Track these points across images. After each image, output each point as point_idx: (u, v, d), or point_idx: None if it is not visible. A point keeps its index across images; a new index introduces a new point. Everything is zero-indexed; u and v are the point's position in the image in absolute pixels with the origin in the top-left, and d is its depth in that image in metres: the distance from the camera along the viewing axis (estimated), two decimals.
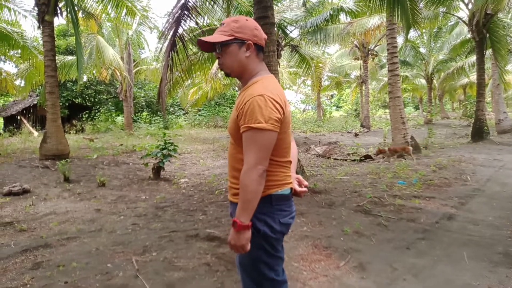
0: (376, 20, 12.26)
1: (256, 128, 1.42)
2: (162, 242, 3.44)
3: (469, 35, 14.10)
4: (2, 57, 18.25)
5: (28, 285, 2.58)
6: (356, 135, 15.54)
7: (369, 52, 18.95)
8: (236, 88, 24.24)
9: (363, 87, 20.88)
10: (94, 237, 3.71)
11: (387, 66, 10.34)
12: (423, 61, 20.79)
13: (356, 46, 19.19)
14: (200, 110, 24.52)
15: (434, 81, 24.30)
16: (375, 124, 21.64)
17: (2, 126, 20.14)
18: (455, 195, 5.03)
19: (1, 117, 20.85)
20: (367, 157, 9.10)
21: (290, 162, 1.63)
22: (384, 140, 12.25)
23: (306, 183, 1.72)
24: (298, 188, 1.66)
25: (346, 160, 9.15)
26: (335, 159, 9.39)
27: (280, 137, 1.50)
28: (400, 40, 14.67)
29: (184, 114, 25.14)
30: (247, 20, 1.57)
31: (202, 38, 1.55)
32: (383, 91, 26.47)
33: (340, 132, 17.32)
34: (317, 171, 7.57)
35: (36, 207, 5.20)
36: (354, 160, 8.87)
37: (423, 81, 24.70)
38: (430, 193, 5.14)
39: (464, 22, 12.88)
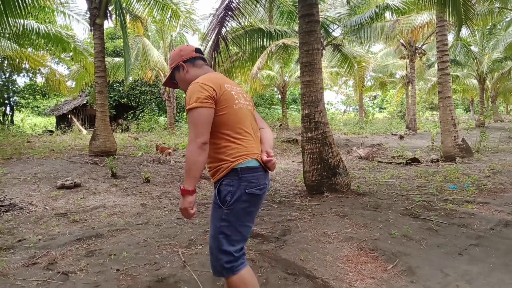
0: (424, 17, 11.70)
1: (190, 108, 1.70)
2: (206, 236, 3.50)
3: None
4: (56, 60, 19.56)
5: (84, 271, 2.73)
6: (401, 137, 14.90)
7: (416, 50, 18.14)
8: (275, 89, 24.22)
9: (409, 88, 20.01)
10: (142, 229, 3.86)
11: (436, 64, 9.85)
12: (475, 60, 19.55)
13: (402, 45, 18.44)
14: None
15: (487, 81, 22.75)
16: (422, 127, 20.67)
17: (55, 124, 21.56)
18: (511, 202, 4.68)
19: (54, 116, 22.34)
20: (414, 160, 8.71)
21: (251, 136, 1.83)
22: (432, 143, 11.67)
23: (272, 154, 1.86)
24: (264, 158, 1.83)
25: (391, 163, 8.82)
26: (378, 161, 9.08)
27: (225, 113, 1.75)
28: (449, 38, 13.92)
29: None
30: (174, 50, 2.01)
31: (164, 83, 2.14)
32: (432, 91, 25.18)
33: (384, 135, 16.73)
34: (360, 173, 7.37)
35: (87, 200, 5.51)
36: (399, 163, 8.53)
37: (475, 82, 23.21)
38: (484, 199, 4.81)
39: None
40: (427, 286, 2.49)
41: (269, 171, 1.87)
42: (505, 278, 2.61)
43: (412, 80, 18.94)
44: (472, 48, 19.70)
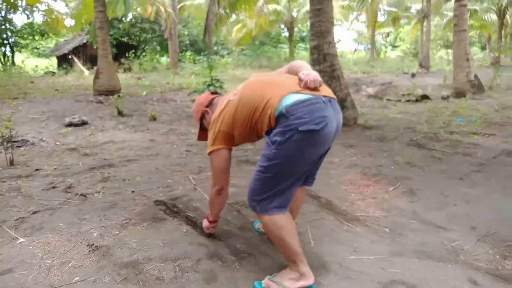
0: None
1: (208, 152, 1.82)
2: None
3: None
4: None
5: (101, 192, 2.90)
6: (413, 75, 14.52)
7: None
8: (282, 26, 23.23)
9: (425, 23, 19.02)
10: (153, 160, 4.00)
11: None
12: None
13: None
14: (243, 50, 24.08)
15: (507, 16, 21.46)
16: (436, 65, 20.02)
17: (56, 65, 21.27)
18: None
19: (55, 57, 21.96)
20: (424, 97, 8.60)
21: (273, 83, 1.65)
22: (445, 81, 11.42)
23: (303, 75, 1.60)
24: (301, 84, 1.60)
25: (400, 100, 8.73)
26: (388, 99, 8.99)
27: (242, 103, 1.68)
28: None
29: (227, 54, 24.89)
30: (194, 105, 2.08)
31: (198, 138, 2.11)
32: (447, 27, 23.89)
33: (395, 73, 16.29)
34: (368, 110, 7.34)
35: (95, 136, 5.63)
36: (409, 101, 8.45)
37: (494, 17, 21.92)
38: (491, 131, 4.83)
39: None
40: (426, 205, 2.62)
41: (326, 96, 1.59)
42: (501, 199, 2.73)
43: (428, 14, 17.95)
44: None
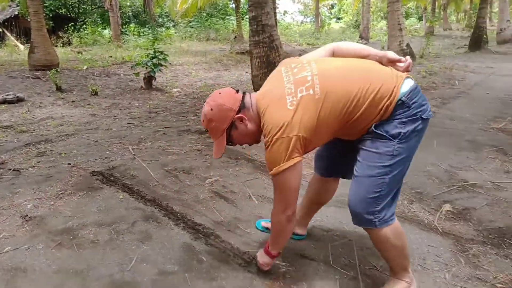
0: None
1: (275, 173, 1.34)
2: (156, 135, 3.68)
3: None
4: None
5: (35, 167, 2.86)
6: None
7: None
8: None
9: None
10: (92, 133, 3.94)
11: None
12: None
13: None
14: (190, 22, 23.31)
15: None
16: (375, 36, 20.85)
17: None
18: (439, 97, 5.21)
19: None
20: None
21: (371, 68, 1.39)
22: (382, 50, 12.01)
23: (392, 56, 1.44)
24: (401, 66, 1.43)
25: None
26: None
27: (331, 96, 1.31)
28: None
29: (173, 26, 23.97)
30: (212, 109, 1.42)
31: (216, 154, 1.51)
32: None
33: None
34: None
35: (33, 113, 5.37)
36: None
37: None
38: None
39: None
40: None
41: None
42: (419, 155, 3.08)
43: None
44: None
